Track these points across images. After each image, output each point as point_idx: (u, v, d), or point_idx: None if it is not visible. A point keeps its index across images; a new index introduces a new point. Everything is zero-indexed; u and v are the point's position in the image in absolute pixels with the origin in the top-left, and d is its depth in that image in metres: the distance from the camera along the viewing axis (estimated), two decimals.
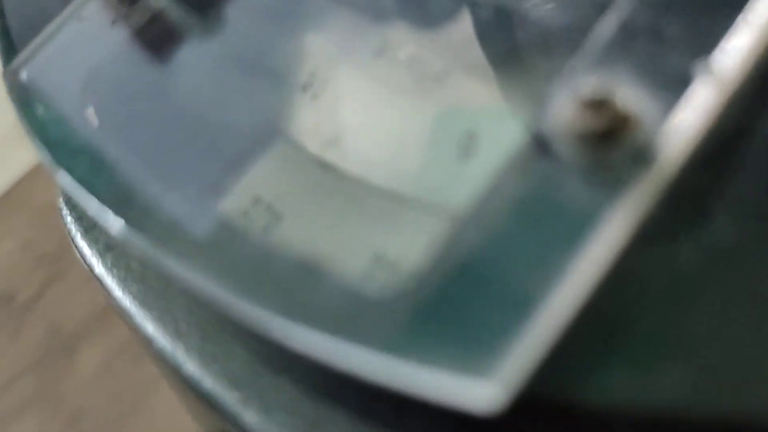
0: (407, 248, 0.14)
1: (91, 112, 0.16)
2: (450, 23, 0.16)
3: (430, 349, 0.11)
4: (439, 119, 0.15)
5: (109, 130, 0.16)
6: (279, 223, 0.15)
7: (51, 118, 0.16)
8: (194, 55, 0.17)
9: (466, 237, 0.12)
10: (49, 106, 0.16)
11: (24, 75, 0.17)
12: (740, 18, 0.11)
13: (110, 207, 0.15)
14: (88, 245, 0.19)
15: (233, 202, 0.16)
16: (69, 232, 0.20)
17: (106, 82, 0.16)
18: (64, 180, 0.15)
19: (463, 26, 0.15)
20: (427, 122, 0.15)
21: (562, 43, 0.13)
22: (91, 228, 0.19)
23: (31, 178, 0.60)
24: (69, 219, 0.20)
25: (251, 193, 0.16)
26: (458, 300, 0.11)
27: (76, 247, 0.20)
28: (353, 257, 0.14)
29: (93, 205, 0.15)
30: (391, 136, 0.15)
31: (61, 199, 0.20)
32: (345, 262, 0.14)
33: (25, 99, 0.16)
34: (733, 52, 0.11)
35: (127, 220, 0.15)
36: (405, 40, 0.16)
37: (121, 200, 0.15)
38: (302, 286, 0.14)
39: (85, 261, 0.19)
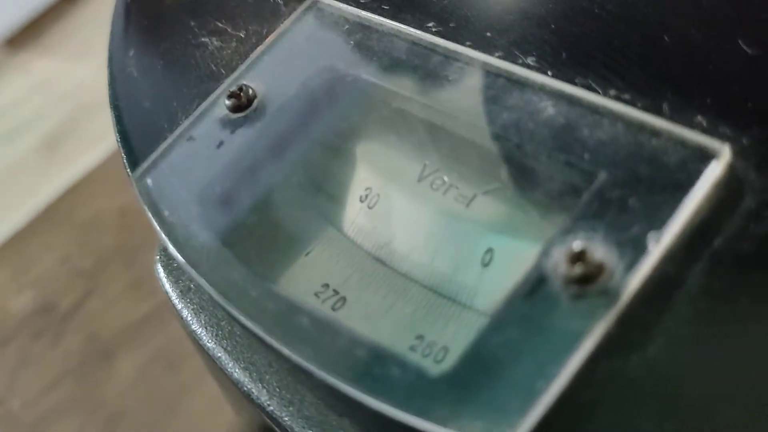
0: (442, 333, 0.20)
1: (201, 218, 0.21)
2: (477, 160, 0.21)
3: (458, 412, 0.17)
4: (466, 235, 0.21)
5: (214, 230, 0.21)
6: (344, 304, 0.21)
7: (172, 220, 0.22)
8: (272, 176, 0.22)
9: (488, 332, 0.18)
10: (171, 210, 0.22)
11: (149, 182, 0.22)
12: (682, 204, 0.17)
13: (222, 293, 0.20)
14: (185, 306, 0.24)
15: (306, 285, 0.21)
16: (167, 294, 0.25)
17: (213, 195, 0.22)
18: (188, 270, 0.20)
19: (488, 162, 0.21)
20: (457, 235, 0.21)
21: (557, 198, 0.19)
22: (186, 291, 0.25)
23: (72, 194, 0.65)
24: (167, 283, 0.25)
25: (322, 278, 0.21)
26: (481, 380, 0.17)
27: (174, 306, 0.25)
28: (401, 335, 0.20)
29: (212, 292, 0.20)
30: (430, 244, 0.21)
31: (159, 266, 0.26)
32: (395, 338, 0.20)
33: (152, 201, 0.22)
34: (672, 228, 0.16)
35: (237, 304, 0.20)
36: (440, 170, 0.21)
37: (230, 287, 0.20)
38: (362, 353, 0.19)
39: (181, 317, 0.24)
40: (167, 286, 0.25)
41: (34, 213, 0.66)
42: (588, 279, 0.16)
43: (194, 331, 0.24)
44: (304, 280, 0.22)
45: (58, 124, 0.79)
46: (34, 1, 0.87)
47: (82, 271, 0.59)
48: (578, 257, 0.17)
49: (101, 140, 0.74)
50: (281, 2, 0.25)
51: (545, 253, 0.17)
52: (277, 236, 0.22)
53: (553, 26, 0.21)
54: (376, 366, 0.18)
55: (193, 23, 0.26)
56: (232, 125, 0.22)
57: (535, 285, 0.17)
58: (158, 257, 0.26)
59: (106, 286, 0.57)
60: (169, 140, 0.23)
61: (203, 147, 0.22)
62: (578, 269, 0.16)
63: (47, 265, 0.60)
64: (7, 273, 0.60)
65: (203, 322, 0.24)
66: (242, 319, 0.20)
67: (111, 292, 0.57)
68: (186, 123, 0.23)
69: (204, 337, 0.23)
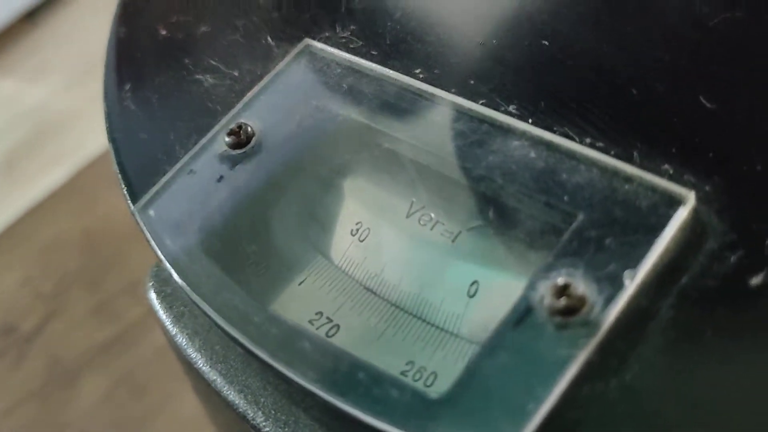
0: (431, 359, 0.21)
1: (202, 247, 0.23)
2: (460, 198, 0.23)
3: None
4: (453, 268, 0.22)
5: (216, 259, 0.23)
6: (338, 331, 0.22)
7: (174, 249, 0.23)
8: (269, 209, 0.24)
9: (480, 358, 0.19)
10: (174, 239, 0.23)
11: (152, 212, 0.23)
12: (653, 245, 0.18)
13: (222, 316, 0.21)
14: (180, 331, 0.25)
15: (299, 313, 0.23)
16: (160, 320, 0.26)
17: (214, 225, 0.23)
18: (192, 296, 0.22)
19: (470, 200, 0.23)
20: (443, 268, 0.22)
21: (538, 236, 0.20)
22: (180, 316, 0.26)
23: (32, 215, 0.65)
24: (160, 309, 0.26)
25: (315, 306, 0.23)
26: (476, 402, 0.19)
27: (166, 331, 0.26)
28: (393, 360, 0.21)
29: (215, 317, 0.21)
30: (418, 276, 0.23)
31: (151, 293, 0.27)
32: (387, 363, 0.21)
33: (155, 231, 0.23)
34: (645, 266, 0.18)
35: (239, 329, 0.21)
36: (427, 207, 0.23)
37: (232, 312, 0.22)
38: (357, 376, 0.21)
39: (175, 343, 0.26)
40: (161, 312, 0.26)
41: None
42: (571, 311, 0.18)
43: (189, 355, 0.25)
44: (298, 307, 0.23)
45: (16, 143, 0.79)
46: None
47: (44, 293, 0.59)
48: (562, 291, 0.18)
49: (61, 160, 0.74)
50: (273, 44, 0.27)
51: (531, 287, 0.19)
52: (273, 266, 0.23)
53: (532, 77, 0.23)
54: (375, 387, 0.20)
55: (187, 60, 0.27)
56: (231, 161, 0.24)
57: (523, 315, 0.19)
58: (151, 284, 0.27)
59: (69, 309, 0.57)
60: (170, 173, 0.24)
61: (204, 181, 0.24)
62: (562, 302, 0.18)
63: (7, 287, 0.60)
64: None
65: (198, 346, 0.25)
66: (245, 342, 0.21)
67: (74, 315, 0.57)
68: (186, 157, 0.24)
69: (199, 361, 0.25)
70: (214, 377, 0.24)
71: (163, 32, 0.29)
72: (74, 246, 0.61)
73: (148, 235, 0.23)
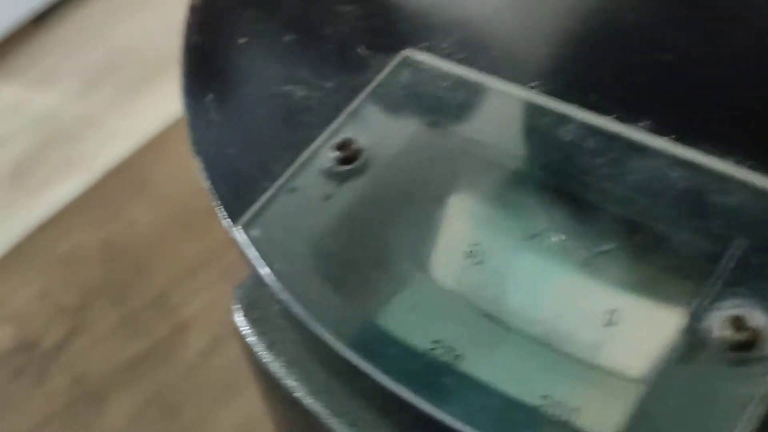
0: (570, 393, 0.20)
1: (312, 267, 0.21)
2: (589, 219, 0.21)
3: None
4: (586, 293, 0.21)
5: (331, 281, 0.21)
6: (461, 359, 0.21)
7: (282, 269, 0.21)
8: (382, 230, 0.22)
9: (648, 397, 0.18)
10: (279, 260, 0.21)
11: (256, 232, 0.22)
12: None
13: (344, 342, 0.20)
14: (274, 358, 0.24)
15: (416, 340, 0.21)
16: (249, 347, 0.25)
17: (325, 247, 0.21)
18: (306, 320, 0.20)
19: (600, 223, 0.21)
20: (575, 294, 0.21)
21: (688, 262, 0.19)
22: (273, 343, 0.24)
23: (49, 226, 0.63)
24: (250, 334, 0.25)
25: (432, 333, 0.21)
26: None
27: (257, 359, 0.24)
28: (526, 394, 0.20)
29: (333, 343, 0.20)
30: (546, 302, 0.21)
31: (238, 317, 0.25)
32: (520, 395, 0.20)
33: (262, 251, 0.21)
34: None
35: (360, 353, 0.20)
36: (553, 228, 0.22)
37: (348, 335, 0.20)
38: (489, 405, 0.19)
39: (267, 370, 0.24)
40: (251, 337, 0.24)
41: (5, 244, 0.63)
42: (747, 345, 0.17)
43: (286, 384, 0.23)
44: (414, 334, 0.21)
45: (25, 150, 0.76)
46: None
47: (65, 307, 0.57)
48: (737, 323, 0.17)
49: (73, 170, 0.72)
50: (366, 55, 0.25)
51: (696, 318, 0.18)
52: (383, 289, 0.22)
53: (669, 90, 0.22)
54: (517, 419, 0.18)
55: (272, 70, 0.26)
56: (338, 178, 0.22)
57: (694, 350, 0.17)
58: (237, 307, 0.25)
59: (92, 324, 0.55)
60: (272, 190, 0.23)
61: (309, 199, 0.22)
62: (739, 335, 0.17)
63: (25, 300, 0.58)
64: None
65: (297, 375, 0.23)
66: (368, 368, 0.20)
67: (97, 331, 0.55)
68: (287, 174, 0.23)
69: (299, 391, 0.23)
70: (318, 408, 0.23)
71: (242, 40, 0.27)
72: (95, 258, 0.59)
73: (251, 255, 0.22)
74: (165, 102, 0.76)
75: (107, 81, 0.83)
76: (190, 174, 0.70)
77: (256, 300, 0.25)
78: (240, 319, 0.25)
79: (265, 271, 0.21)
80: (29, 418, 0.52)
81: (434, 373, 0.20)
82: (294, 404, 0.24)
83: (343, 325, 0.21)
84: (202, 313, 0.54)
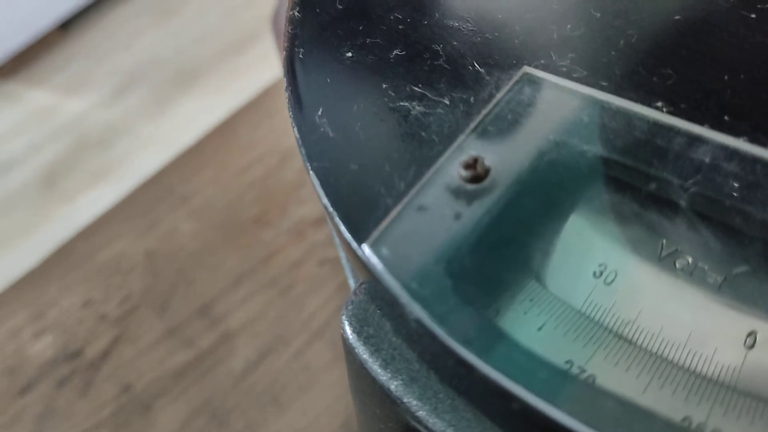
0: (710, 415, 0.20)
1: (447, 287, 0.21)
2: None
3: None
4: (723, 315, 0.21)
5: (470, 304, 0.21)
6: (596, 378, 0.21)
7: (416, 289, 0.21)
8: (512, 250, 0.22)
9: None
10: (416, 280, 0.21)
11: (385, 250, 0.22)
12: None
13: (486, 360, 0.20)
14: (392, 377, 0.24)
15: (554, 359, 0.21)
16: (364, 365, 0.24)
17: (459, 267, 0.21)
18: (445, 339, 0.20)
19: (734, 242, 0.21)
20: (712, 316, 0.21)
21: None
22: (391, 360, 0.24)
23: (86, 236, 0.63)
24: (364, 352, 0.24)
25: (563, 354, 0.21)
26: None
27: (372, 377, 0.24)
28: (665, 416, 0.20)
29: (475, 361, 0.20)
30: (682, 324, 0.21)
31: (350, 334, 0.25)
32: (661, 414, 0.20)
33: (394, 271, 0.21)
34: None
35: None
36: (683, 248, 0.22)
37: (489, 353, 0.20)
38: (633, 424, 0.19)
39: (383, 388, 0.24)
40: (365, 355, 0.24)
41: (43, 250, 0.63)
42: None
43: (406, 403, 0.23)
44: (548, 354, 0.21)
45: (54, 158, 0.76)
46: (25, 30, 0.85)
47: (108, 316, 0.56)
48: None
49: (104, 177, 0.72)
50: (483, 71, 0.25)
51: None
52: (512, 309, 0.22)
53: None
54: None
55: (385, 85, 0.26)
56: (468, 196, 0.22)
57: None
58: (347, 323, 0.25)
59: (136, 333, 0.55)
60: (398, 208, 0.22)
61: (438, 217, 0.22)
62: None
63: (67, 309, 0.58)
64: (22, 316, 0.58)
65: (418, 394, 0.23)
66: (506, 383, 0.20)
67: (142, 340, 0.55)
68: (412, 192, 0.23)
69: (422, 411, 0.23)
70: (443, 428, 0.22)
71: (349, 54, 0.27)
72: (137, 267, 0.59)
73: (384, 273, 0.21)
74: (196, 111, 0.76)
75: (135, 88, 0.83)
76: (228, 184, 0.69)
77: (367, 318, 0.25)
78: (351, 336, 0.25)
79: (397, 290, 0.21)
80: (77, 426, 0.52)
81: (576, 392, 0.20)
82: (412, 423, 0.23)
83: (479, 343, 0.20)
84: (247, 323, 0.54)
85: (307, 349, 0.52)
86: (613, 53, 0.25)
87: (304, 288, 0.55)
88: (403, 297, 0.21)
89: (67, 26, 0.89)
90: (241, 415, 0.50)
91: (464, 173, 0.22)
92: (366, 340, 0.25)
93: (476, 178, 0.22)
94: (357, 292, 0.25)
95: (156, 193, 0.64)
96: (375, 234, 0.22)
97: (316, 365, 0.51)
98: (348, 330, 0.25)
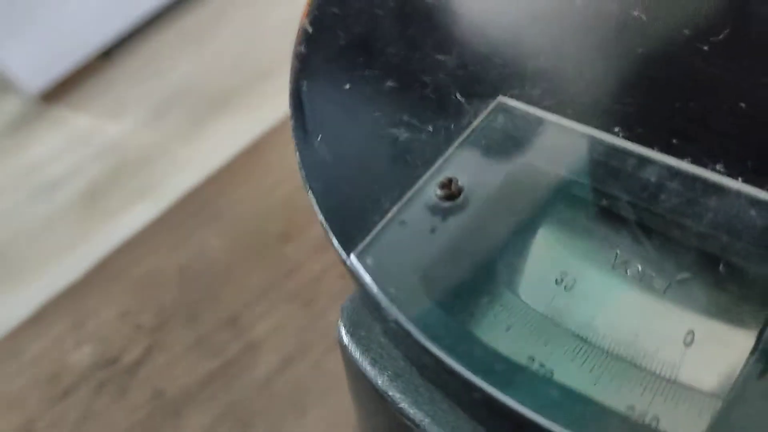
0: (650, 404, 0.22)
1: (422, 291, 0.24)
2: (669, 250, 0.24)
3: None
4: (666, 317, 0.23)
5: (435, 301, 0.24)
6: (554, 373, 0.24)
7: (395, 294, 0.24)
8: (479, 259, 0.25)
9: (726, 410, 0.20)
10: (394, 285, 0.24)
11: (369, 260, 0.25)
12: None
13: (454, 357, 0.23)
14: (378, 373, 0.27)
15: (518, 356, 0.24)
16: (354, 362, 0.27)
17: (432, 273, 0.24)
18: (421, 339, 0.23)
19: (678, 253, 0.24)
20: (657, 318, 0.24)
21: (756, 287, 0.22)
22: (378, 358, 0.27)
23: (124, 251, 0.67)
24: (355, 351, 0.27)
25: (527, 351, 0.24)
26: None
27: (362, 373, 0.27)
28: (612, 404, 0.23)
29: (446, 359, 0.23)
30: (631, 325, 0.24)
31: (344, 335, 0.28)
32: (609, 404, 0.22)
33: (376, 278, 0.24)
34: None
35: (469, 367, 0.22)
36: (633, 258, 0.24)
37: (459, 351, 0.23)
38: (585, 412, 0.22)
39: (372, 384, 0.27)
40: (356, 354, 0.27)
41: (84, 266, 0.67)
42: None
43: (392, 396, 0.26)
44: (512, 352, 0.24)
45: (95, 179, 0.81)
46: (70, 57, 0.90)
47: (143, 326, 0.60)
48: None
49: (142, 197, 0.76)
50: (463, 101, 0.28)
51: (766, 339, 0.20)
52: (482, 310, 0.25)
53: (743, 136, 0.24)
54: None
55: (377, 114, 0.29)
56: (443, 213, 0.25)
57: (764, 368, 0.20)
58: (343, 327, 0.28)
59: (169, 342, 0.58)
60: (382, 223, 0.25)
61: (416, 231, 0.25)
62: None
63: (105, 319, 0.61)
64: (64, 326, 0.61)
65: (401, 388, 0.26)
66: (471, 377, 0.22)
67: (174, 348, 0.58)
68: (395, 209, 0.26)
69: (404, 403, 0.26)
70: (422, 419, 0.25)
71: (347, 86, 0.30)
72: (170, 281, 0.62)
73: (368, 280, 0.25)
74: (229, 134, 0.80)
75: (172, 113, 0.87)
76: (255, 202, 0.73)
77: (359, 320, 0.28)
78: (345, 338, 0.28)
79: (379, 294, 0.24)
80: (113, 428, 0.55)
81: (534, 384, 0.23)
82: (396, 414, 0.26)
83: (448, 341, 0.23)
84: (271, 333, 0.57)
85: (327, 358, 0.55)
86: (581, 84, 0.27)
87: (325, 300, 0.58)
88: (384, 300, 0.24)
89: (109, 54, 0.94)
90: (263, 420, 0.53)
91: (440, 192, 0.25)
92: (358, 340, 0.28)
93: (450, 197, 0.25)
94: (352, 297, 0.28)
95: (188, 212, 0.68)
96: (361, 246, 0.25)
97: (336, 373, 0.54)
98: (342, 331, 0.28)
